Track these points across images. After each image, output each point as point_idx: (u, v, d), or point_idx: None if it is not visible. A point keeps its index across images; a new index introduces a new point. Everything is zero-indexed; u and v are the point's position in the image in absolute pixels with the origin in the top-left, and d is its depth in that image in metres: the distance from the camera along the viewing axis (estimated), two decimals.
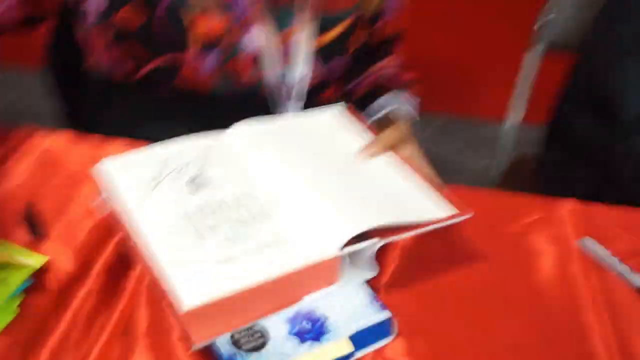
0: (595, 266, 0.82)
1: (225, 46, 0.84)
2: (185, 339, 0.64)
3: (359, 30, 0.94)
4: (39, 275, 0.72)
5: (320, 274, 0.69)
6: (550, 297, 0.78)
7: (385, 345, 0.70)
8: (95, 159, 0.78)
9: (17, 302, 0.69)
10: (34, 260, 0.73)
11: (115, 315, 0.70)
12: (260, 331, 0.67)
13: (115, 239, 0.77)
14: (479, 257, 0.82)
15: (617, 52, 1.15)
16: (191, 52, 0.83)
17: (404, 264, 0.80)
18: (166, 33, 0.82)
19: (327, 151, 0.83)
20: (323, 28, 0.89)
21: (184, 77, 0.84)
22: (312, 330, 0.67)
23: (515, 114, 1.55)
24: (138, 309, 0.71)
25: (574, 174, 1.28)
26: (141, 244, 0.69)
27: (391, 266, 0.79)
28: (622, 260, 0.81)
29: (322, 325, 0.68)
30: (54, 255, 0.75)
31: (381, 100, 0.97)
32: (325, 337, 0.67)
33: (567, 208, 0.90)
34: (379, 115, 0.95)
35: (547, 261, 0.82)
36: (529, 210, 0.90)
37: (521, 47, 1.35)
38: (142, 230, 0.69)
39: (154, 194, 0.73)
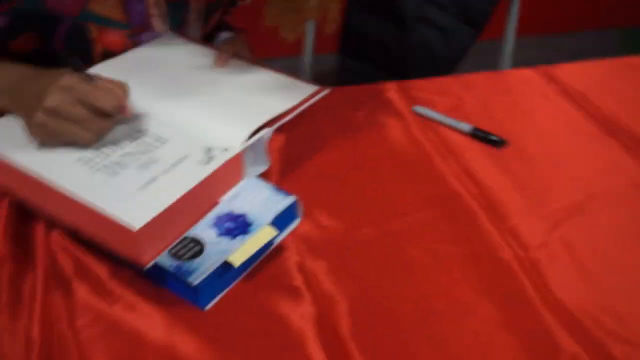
0: (429, 126, 0.98)
1: None
2: (135, 262, 0.66)
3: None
4: None
5: (229, 173, 0.75)
6: (406, 156, 0.92)
7: (297, 226, 0.79)
8: None
9: None
10: None
11: (40, 270, 0.69)
12: (193, 241, 0.71)
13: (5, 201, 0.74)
14: (340, 137, 0.94)
15: None
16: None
17: (284, 161, 0.88)
18: (68, 51, 0.84)
19: (184, 69, 0.88)
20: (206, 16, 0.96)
21: None
22: (237, 227, 0.74)
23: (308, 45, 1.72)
24: (57, 259, 0.70)
25: (369, 76, 1.46)
26: (50, 193, 0.68)
27: (276, 167, 0.87)
28: (447, 115, 0.99)
29: (244, 220, 0.74)
30: None
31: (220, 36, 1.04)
32: (251, 228, 0.74)
33: (392, 88, 1.06)
34: (219, 40, 1.02)
35: (393, 130, 0.97)
36: (364, 97, 1.04)
37: None
38: (49, 180, 0.68)
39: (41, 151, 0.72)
